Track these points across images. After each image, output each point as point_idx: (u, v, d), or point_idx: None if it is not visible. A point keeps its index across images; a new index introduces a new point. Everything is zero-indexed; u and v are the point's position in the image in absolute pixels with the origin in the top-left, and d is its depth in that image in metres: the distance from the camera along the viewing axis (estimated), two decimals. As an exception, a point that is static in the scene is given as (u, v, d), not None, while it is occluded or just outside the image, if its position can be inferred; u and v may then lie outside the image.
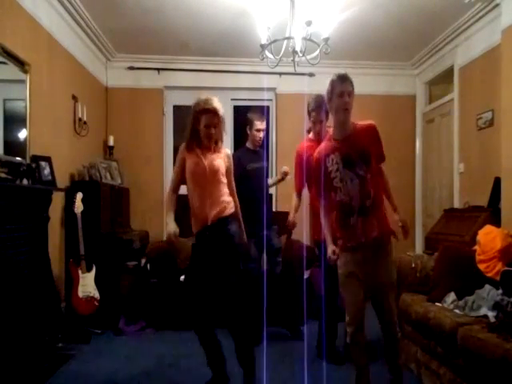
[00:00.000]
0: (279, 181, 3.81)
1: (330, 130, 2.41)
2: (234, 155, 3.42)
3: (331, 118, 2.38)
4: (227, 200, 2.58)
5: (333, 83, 2.24)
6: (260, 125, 3.49)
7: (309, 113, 3.08)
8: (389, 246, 2.30)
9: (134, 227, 4.99)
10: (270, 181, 3.82)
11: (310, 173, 2.70)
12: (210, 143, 2.57)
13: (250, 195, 3.18)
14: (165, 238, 2.67)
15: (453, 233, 3.66)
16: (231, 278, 2.49)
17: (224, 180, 2.59)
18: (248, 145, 3.59)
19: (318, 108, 2.97)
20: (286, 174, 3.64)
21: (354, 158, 2.21)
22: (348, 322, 2.25)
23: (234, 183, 2.71)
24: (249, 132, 3.56)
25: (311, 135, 3.16)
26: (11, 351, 2.62)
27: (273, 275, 3.44)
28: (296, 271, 3.91)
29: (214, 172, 2.53)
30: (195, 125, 2.57)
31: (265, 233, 3.30)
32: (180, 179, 2.63)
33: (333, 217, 2.35)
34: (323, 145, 2.36)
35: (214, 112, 2.52)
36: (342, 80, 2.22)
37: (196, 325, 2.57)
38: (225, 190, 2.59)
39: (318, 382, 2.65)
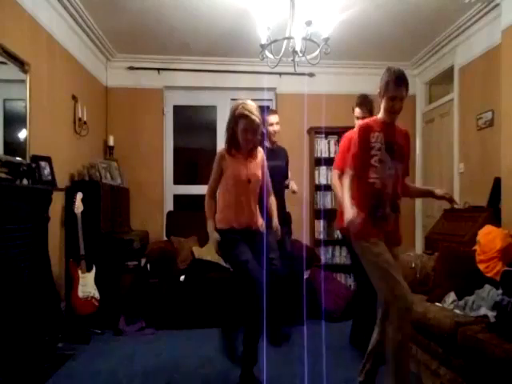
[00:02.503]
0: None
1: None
2: None
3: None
4: (258, 212, 2.72)
5: (387, 83, 2.17)
6: (273, 118, 3.60)
7: (353, 109, 3.19)
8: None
9: (134, 227, 4.99)
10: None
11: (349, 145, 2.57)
12: (249, 148, 2.65)
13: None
14: (213, 248, 2.68)
15: (453, 233, 3.66)
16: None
17: (258, 189, 2.70)
18: (265, 143, 3.60)
19: (361, 106, 3.08)
20: (293, 192, 3.67)
21: (396, 149, 2.19)
22: (403, 299, 2.10)
23: (269, 181, 2.83)
24: (264, 130, 3.59)
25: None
26: (11, 351, 2.62)
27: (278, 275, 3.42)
28: (296, 271, 3.91)
29: (255, 183, 2.65)
30: (234, 128, 2.62)
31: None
32: (218, 185, 2.70)
33: (362, 203, 2.20)
34: (370, 120, 2.33)
35: (253, 117, 2.57)
36: (398, 83, 2.16)
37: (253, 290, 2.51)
38: (257, 200, 2.70)
39: (318, 381, 2.66)
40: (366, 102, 3.10)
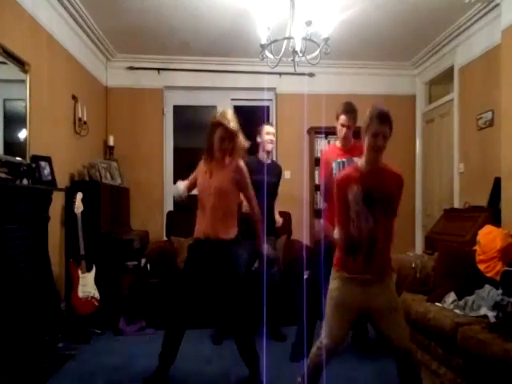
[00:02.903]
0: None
1: (358, 162, 2.26)
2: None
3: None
4: (230, 224, 2.64)
5: (371, 119, 2.11)
6: (269, 128, 3.61)
7: (337, 116, 3.08)
8: (389, 281, 2.18)
9: (134, 227, 4.99)
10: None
11: (332, 188, 2.51)
12: (224, 157, 2.62)
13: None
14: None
15: (453, 233, 3.66)
16: (230, 287, 2.61)
17: (231, 201, 2.65)
18: (259, 155, 3.61)
19: (346, 113, 2.99)
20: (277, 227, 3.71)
21: (376, 197, 2.10)
22: (327, 340, 2.13)
23: (250, 192, 2.74)
24: (259, 140, 3.59)
25: (338, 142, 3.14)
26: (11, 351, 2.62)
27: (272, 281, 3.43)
28: (296, 271, 3.91)
29: (219, 194, 2.59)
30: (211, 137, 2.61)
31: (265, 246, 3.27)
32: (191, 186, 2.76)
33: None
34: (348, 171, 2.24)
35: (227, 125, 2.55)
36: (382, 120, 2.10)
37: (177, 323, 2.66)
38: (229, 212, 2.64)
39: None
40: (352, 110, 3.01)
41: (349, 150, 2.99)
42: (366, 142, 2.12)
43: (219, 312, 3.33)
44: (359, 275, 2.08)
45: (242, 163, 2.67)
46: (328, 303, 2.15)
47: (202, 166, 2.73)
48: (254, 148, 3.60)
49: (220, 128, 2.56)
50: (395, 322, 2.07)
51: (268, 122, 3.69)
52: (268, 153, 3.65)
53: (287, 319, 3.70)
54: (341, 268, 2.14)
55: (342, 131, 3.02)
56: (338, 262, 2.16)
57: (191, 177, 2.80)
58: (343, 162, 2.95)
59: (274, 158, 5.43)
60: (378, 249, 2.08)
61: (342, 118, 3.01)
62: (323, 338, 2.14)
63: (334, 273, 2.17)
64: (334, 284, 2.14)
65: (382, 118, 2.09)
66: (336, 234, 2.18)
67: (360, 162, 2.18)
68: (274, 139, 3.68)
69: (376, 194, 2.10)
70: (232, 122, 2.57)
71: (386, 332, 2.07)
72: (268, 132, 3.59)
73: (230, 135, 2.57)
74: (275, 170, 3.74)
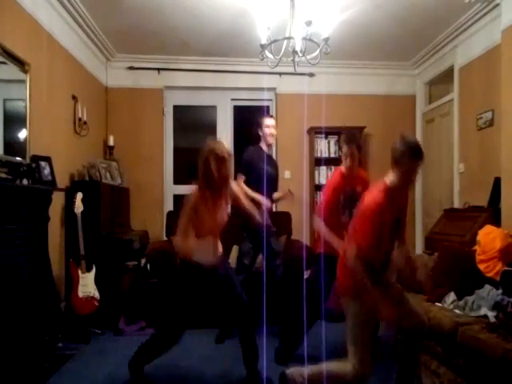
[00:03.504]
0: (282, 198, 3.78)
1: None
2: (245, 152, 3.65)
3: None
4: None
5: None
6: (269, 121, 3.64)
7: (340, 148, 3.22)
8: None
9: (134, 227, 4.99)
10: (276, 195, 3.76)
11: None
12: (223, 187, 2.60)
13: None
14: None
15: (453, 233, 3.66)
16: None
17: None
18: (261, 145, 3.64)
19: (348, 143, 2.98)
20: (290, 192, 3.65)
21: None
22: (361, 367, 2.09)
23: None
24: (261, 133, 3.63)
25: (343, 169, 3.11)
26: (11, 351, 2.62)
27: (273, 279, 3.44)
28: (296, 271, 3.90)
29: (223, 226, 2.65)
30: (208, 168, 2.53)
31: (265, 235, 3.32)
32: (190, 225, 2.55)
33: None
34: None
35: (228, 158, 2.53)
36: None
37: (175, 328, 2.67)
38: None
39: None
40: (353, 139, 2.99)
41: (351, 178, 2.98)
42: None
43: (223, 310, 3.34)
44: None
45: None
46: (355, 325, 2.12)
47: (200, 200, 2.55)
48: (255, 140, 3.71)
49: (222, 160, 2.51)
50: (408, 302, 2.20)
51: (269, 114, 3.72)
52: (269, 145, 3.68)
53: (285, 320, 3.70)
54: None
55: (346, 161, 3.00)
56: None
57: (185, 222, 2.50)
58: None
59: (274, 158, 5.45)
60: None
61: (344, 148, 3.01)
62: (355, 365, 2.08)
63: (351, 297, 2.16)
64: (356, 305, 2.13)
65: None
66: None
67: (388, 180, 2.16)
68: (274, 132, 3.65)
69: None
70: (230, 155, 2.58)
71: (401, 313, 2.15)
72: (268, 125, 3.60)
73: (229, 166, 2.57)
74: (274, 163, 3.82)
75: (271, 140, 3.65)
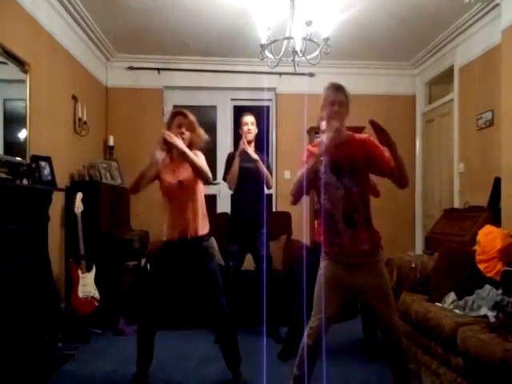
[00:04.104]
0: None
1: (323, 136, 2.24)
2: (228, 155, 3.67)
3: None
4: (201, 218, 2.58)
5: (326, 91, 2.29)
6: (246, 118, 3.59)
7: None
8: (379, 259, 2.18)
9: (134, 227, 4.99)
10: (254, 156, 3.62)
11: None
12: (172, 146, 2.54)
13: (239, 195, 3.53)
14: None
15: (453, 233, 3.66)
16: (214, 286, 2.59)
17: (198, 194, 2.59)
18: (240, 143, 3.60)
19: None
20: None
21: (343, 167, 2.15)
22: (317, 315, 2.12)
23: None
24: (240, 131, 3.63)
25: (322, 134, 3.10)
26: (11, 351, 2.62)
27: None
28: (296, 271, 3.90)
29: (187, 188, 2.55)
30: (169, 129, 2.60)
31: (265, 232, 3.34)
32: (154, 177, 2.65)
33: (322, 225, 2.24)
34: (315, 147, 2.33)
35: (184, 114, 2.59)
36: (335, 89, 2.26)
37: (146, 326, 2.70)
38: (199, 205, 2.58)
39: (319, 381, 2.65)
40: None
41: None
42: (325, 114, 2.26)
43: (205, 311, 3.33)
44: (345, 258, 2.11)
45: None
46: (317, 282, 2.16)
47: (163, 165, 2.61)
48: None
49: (178, 117, 2.59)
50: (385, 300, 2.10)
51: (246, 111, 3.68)
52: (249, 142, 3.58)
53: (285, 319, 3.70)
54: (328, 249, 2.17)
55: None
56: (326, 244, 2.18)
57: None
58: None
59: (274, 158, 5.45)
60: (359, 219, 2.11)
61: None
62: (313, 316, 2.14)
63: (322, 255, 2.21)
64: (322, 263, 2.19)
65: (336, 88, 2.25)
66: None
67: (324, 135, 2.21)
68: (252, 128, 3.58)
69: (342, 164, 2.16)
70: (190, 115, 2.59)
71: (375, 311, 2.12)
72: (246, 122, 3.57)
73: (188, 123, 2.58)
74: (250, 158, 3.56)
75: (250, 137, 3.59)
